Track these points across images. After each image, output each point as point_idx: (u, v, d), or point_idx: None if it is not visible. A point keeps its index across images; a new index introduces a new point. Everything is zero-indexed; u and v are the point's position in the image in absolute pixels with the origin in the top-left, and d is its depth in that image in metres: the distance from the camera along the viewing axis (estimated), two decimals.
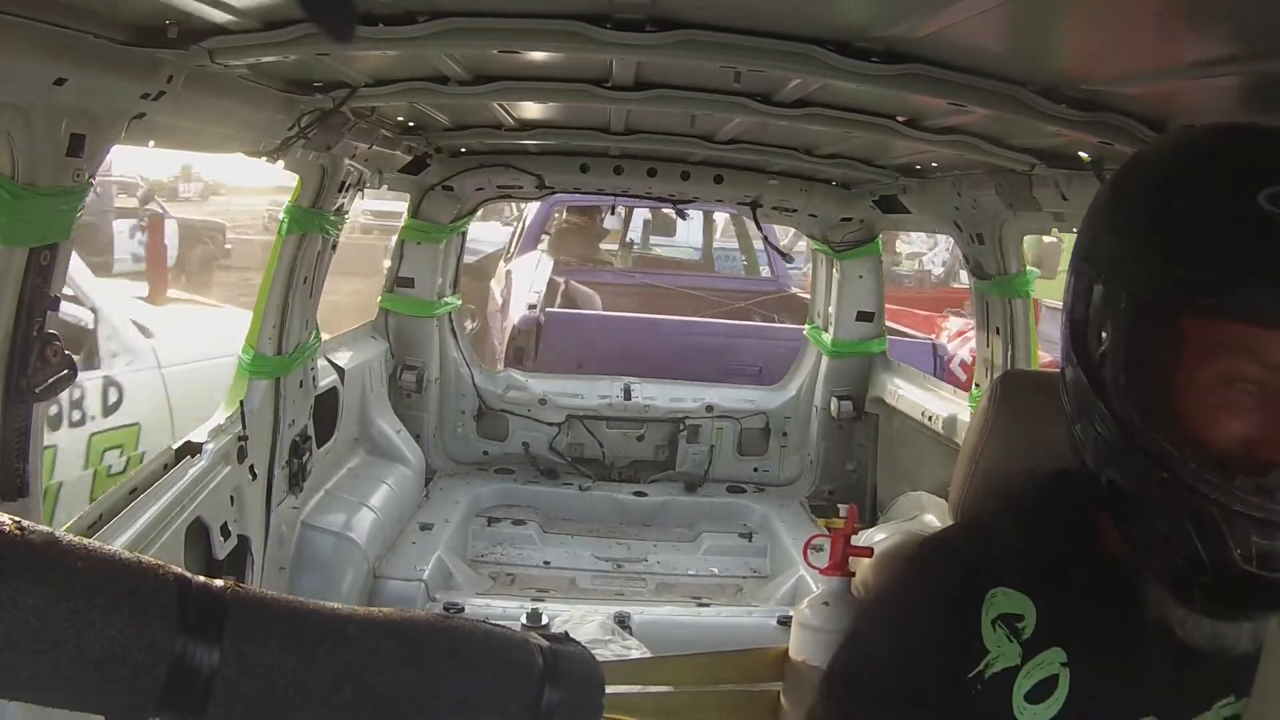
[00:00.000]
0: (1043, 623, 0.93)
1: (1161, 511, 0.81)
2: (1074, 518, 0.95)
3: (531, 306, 5.63)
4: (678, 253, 7.52)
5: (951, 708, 0.93)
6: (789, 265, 6.88)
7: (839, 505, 1.53)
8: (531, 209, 7.01)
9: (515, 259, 6.69)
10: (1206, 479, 0.78)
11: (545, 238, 6.84)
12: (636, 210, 7.33)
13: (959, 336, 5.69)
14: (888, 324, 4.98)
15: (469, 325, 6.65)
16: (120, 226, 11.42)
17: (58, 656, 0.64)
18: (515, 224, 6.95)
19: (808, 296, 5.58)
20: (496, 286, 6.86)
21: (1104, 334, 0.83)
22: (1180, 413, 0.80)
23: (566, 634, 0.86)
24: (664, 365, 5.13)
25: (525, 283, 6.03)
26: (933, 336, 5.76)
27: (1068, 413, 0.91)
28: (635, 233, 7.52)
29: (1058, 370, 1.20)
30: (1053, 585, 0.94)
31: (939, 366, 5.41)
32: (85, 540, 0.68)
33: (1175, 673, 0.91)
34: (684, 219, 4.11)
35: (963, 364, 5.76)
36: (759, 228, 4.55)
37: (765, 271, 6.73)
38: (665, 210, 5.88)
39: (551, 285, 6.01)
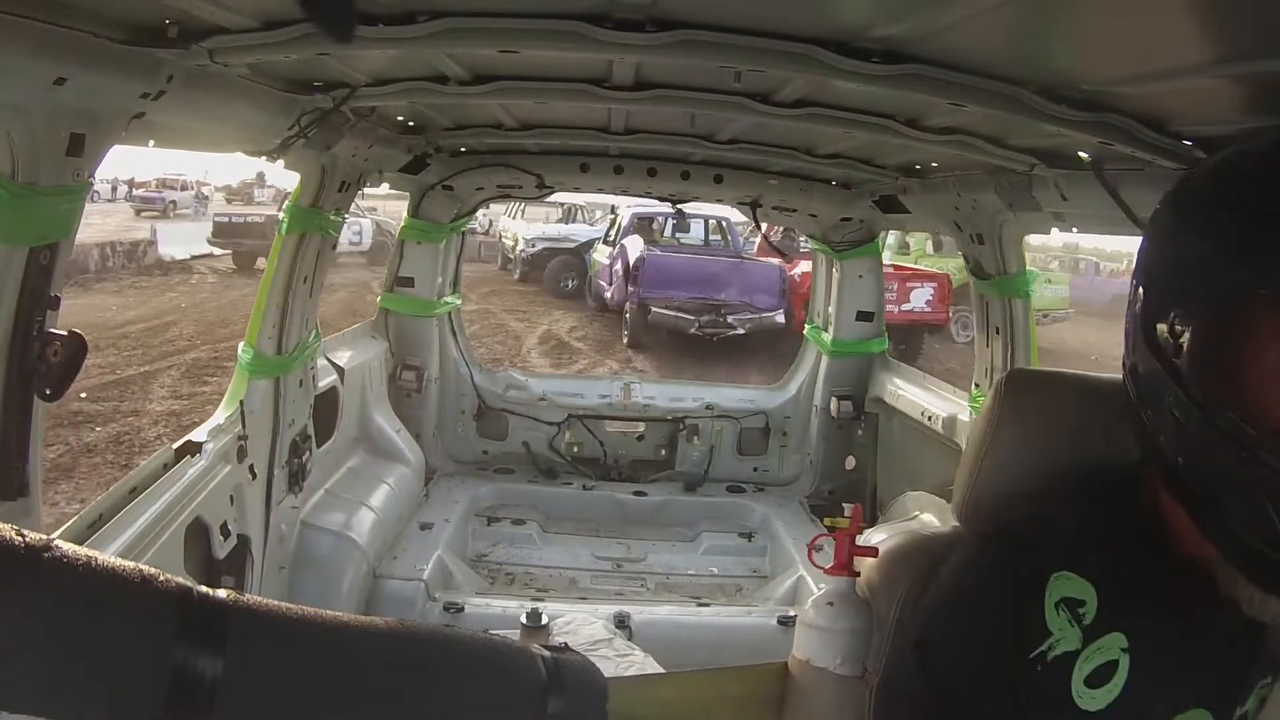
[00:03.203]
0: (1104, 608, 0.95)
1: (1239, 491, 0.85)
2: (1137, 506, 0.98)
3: (640, 251, 13.29)
4: (689, 239, 15.11)
5: (1013, 688, 0.96)
6: (743, 244, 15.13)
7: (844, 505, 1.52)
8: (624, 216, 14.65)
9: (620, 240, 14.25)
10: None
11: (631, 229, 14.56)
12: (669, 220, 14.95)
13: (796, 266, 12.63)
14: (762, 258, 13.69)
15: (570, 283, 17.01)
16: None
17: (57, 667, 0.64)
18: (606, 223, 16.28)
19: (752, 256, 14.24)
20: (600, 256, 15.54)
21: (1178, 326, 0.88)
22: (1258, 396, 0.84)
23: (566, 645, 0.86)
24: (695, 272, 12.82)
25: (634, 246, 13.54)
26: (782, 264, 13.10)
27: (1135, 402, 0.94)
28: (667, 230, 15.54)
29: (1063, 369, 1.21)
30: (1114, 572, 0.97)
31: (783, 276, 12.77)
32: (84, 549, 0.67)
33: (1228, 659, 0.95)
34: (683, 218, 4.93)
35: (794, 277, 12.68)
36: (758, 226, 4.58)
37: (731, 245, 14.85)
38: (684, 220, 13.87)
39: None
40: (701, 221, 14.82)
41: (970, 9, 1.30)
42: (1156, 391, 0.90)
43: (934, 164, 3.15)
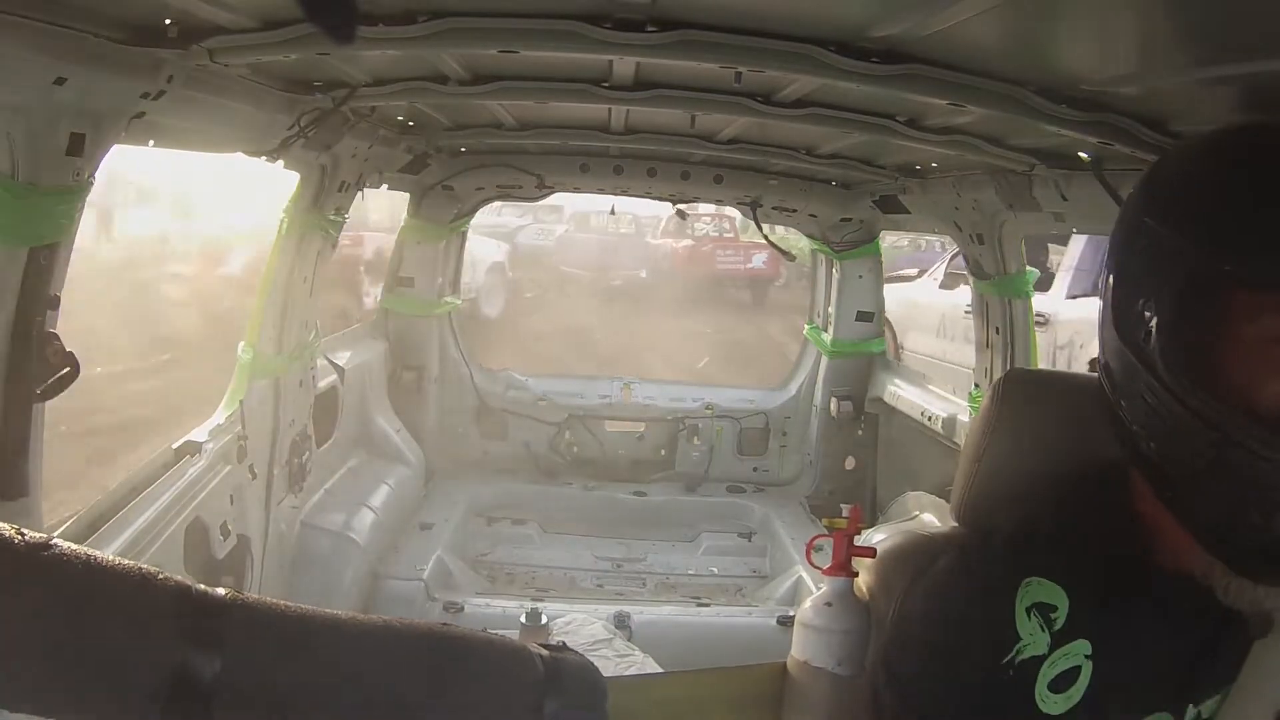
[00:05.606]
0: (1074, 614, 0.97)
1: (1213, 475, 0.85)
2: (1114, 507, 0.99)
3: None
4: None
5: (982, 693, 0.98)
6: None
7: (842, 505, 1.53)
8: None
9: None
10: (1258, 436, 0.81)
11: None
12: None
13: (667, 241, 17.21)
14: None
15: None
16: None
17: (56, 666, 0.64)
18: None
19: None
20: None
21: (1148, 313, 0.88)
22: (1230, 375, 0.84)
23: (564, 644, 0.86)
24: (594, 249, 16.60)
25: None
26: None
27: (1110, 396, 0.94)
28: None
29: (1061, 370, 1.21)
30: (1088, 577, 0.98)
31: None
32: (84, 549, 0.67)
33: (1198, 659, 0.94)
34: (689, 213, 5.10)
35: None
36: (759, 227, 4.59)
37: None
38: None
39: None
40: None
41: (970, 9, 1.30)
42: (1129, 380, 0.91)
43: (934, 164, 3.15)
